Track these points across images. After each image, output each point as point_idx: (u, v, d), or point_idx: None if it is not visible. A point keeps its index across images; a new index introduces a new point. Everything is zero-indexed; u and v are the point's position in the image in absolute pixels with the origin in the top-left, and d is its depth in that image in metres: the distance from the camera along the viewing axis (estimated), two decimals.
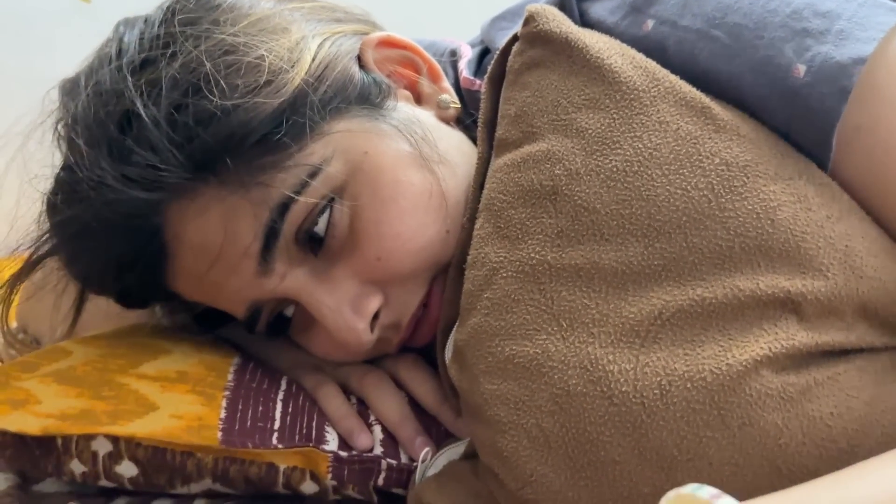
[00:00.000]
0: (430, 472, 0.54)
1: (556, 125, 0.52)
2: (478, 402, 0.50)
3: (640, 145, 0.49)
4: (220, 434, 0.55)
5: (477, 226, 0.53)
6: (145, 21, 0.56)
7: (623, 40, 0.54)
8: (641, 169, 0.49)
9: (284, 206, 0.53)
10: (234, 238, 0.53)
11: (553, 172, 0.50)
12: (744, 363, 0.45)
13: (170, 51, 0.54)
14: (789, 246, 0.46)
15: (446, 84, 0.62)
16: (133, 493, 0.58)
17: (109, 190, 0.51)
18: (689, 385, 0.45)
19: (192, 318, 0.63)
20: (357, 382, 0.59)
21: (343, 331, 0.55)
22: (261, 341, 0.62)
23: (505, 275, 0.50)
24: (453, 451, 0.55)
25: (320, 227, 0.54)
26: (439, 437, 0.57)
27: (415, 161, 0.56)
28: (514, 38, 0.57)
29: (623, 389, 0.45)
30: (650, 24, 0.53)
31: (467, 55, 0.64)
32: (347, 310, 0.55)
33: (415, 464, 0.55)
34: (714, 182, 0.48)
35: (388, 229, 0.54)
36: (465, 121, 0.62)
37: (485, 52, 0.65)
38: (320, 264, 0.56)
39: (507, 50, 0.57)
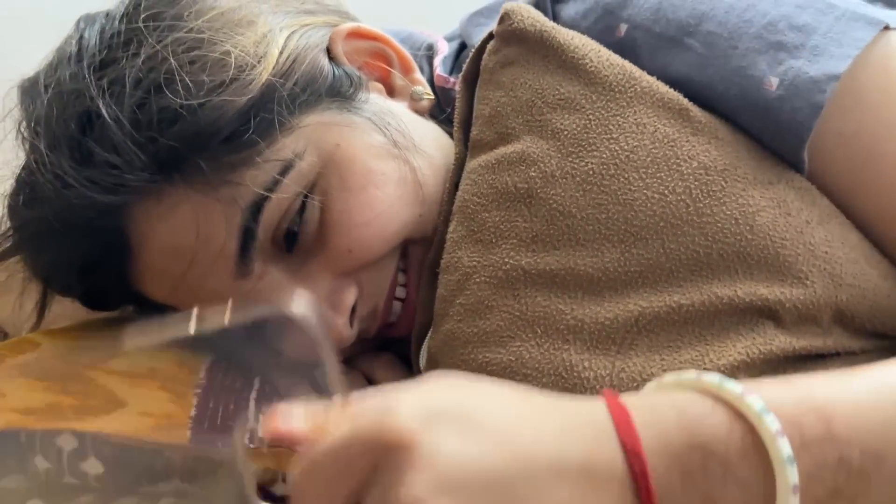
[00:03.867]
0: None
1: (532, 126, 0.47)
2: None
3: (617, 147, 0.45)
4: (189, 433, 0.50)
5: (450, 229, 0.49)
6: (107, 16, 0.51)
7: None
8: (618, 172, 0.44)
9: (257, 206, 0.48)
10: (207, 240, 0.48)
11: (528, 175, 0.46)
12: (721, 368, 0.41)
13: (132, 47, 0.48)
14: (768, 253, 0.42)
15: (419, 76, 0.57)
16: (97, 491, 0.53)
17: (71, 192, 0.46)
18: None
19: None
20: None
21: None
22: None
23: (478, 280, 0.45)
24: None
25: (295, 224, 0.49)
26: None
27: (388, 152, 0.52)
28: (490, 37, 0.52)
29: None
30: (623, 28, 0.49)
31: (443, 51, 0.59)
32: (324, 307, 0.50)
33: None
34: (692, 186, 0.43)
35: (357, 218, 0.50)
36: (438, 116, 0.57)
37: (462, 48, 0.59)
38: (295, 260, 0.51)
39: (482, 48, 0.52)
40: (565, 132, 0.46)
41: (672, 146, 0.44)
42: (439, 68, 0.58)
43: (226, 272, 0.49)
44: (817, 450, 0.33)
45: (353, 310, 0.51)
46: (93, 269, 0.51)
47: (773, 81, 0.44)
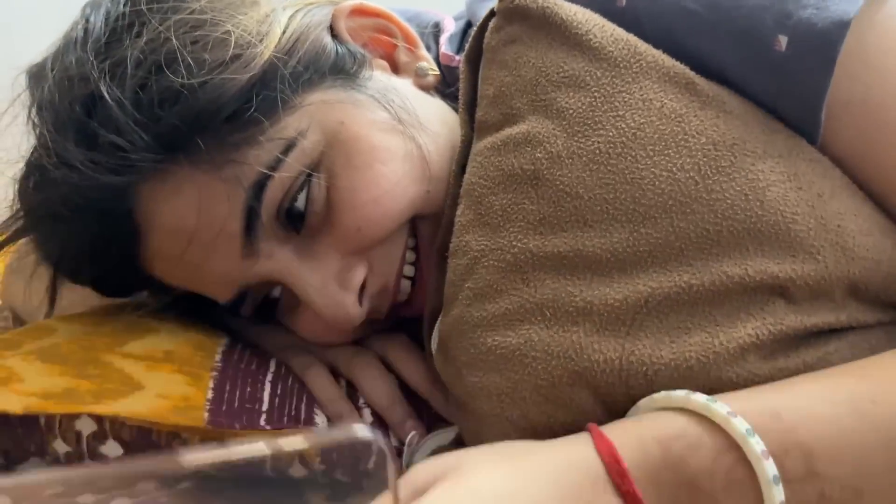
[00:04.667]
0: (418, 457, 0.50)
1: (536, 105, 0.46)
2: (462, 394, 0.45)
3: (624, 125, 0.43)
4: (206, 415, 0.51)
5: (458, 212, 0.48)
6: (112, 1, 0.50)
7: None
8: (625, 150, 0.43)
9: (260, 185, 0.48)
10: (209, 219, 0.48)
11: (534, 156, 0.45)
12: (731, 350, 0.40)
13: (135, 29, 0.48)
14: (779, 228, 0.41)
15: (423, 52, 0.56)
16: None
17: (77, 174, 0.46)
18: (675, 374, 0.40)
19: (175, 302, 0.57)
20: (345, 365, 0.54)
21: (331, 308, 0.50)
22: (249, 323, 0.57)
23: (486, 264, 0.45)
24: (442, 437, 0.50)
25: (300, 203, 0.49)
26: (430, 420, 0.53)
27: (393, 128, 0.51)
28: (492, 14, 0.51)
29: (608, 381, 0.40)
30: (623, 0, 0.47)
31: (449, 29, 0.58)
32: (333, 286, 0.50)
33: (404, 446, 0.50)
34: (701, 163, 0.42)
35: (364, 195, 0.49)
36: (444, 91, 0.56)
37: (469, 26, 0.58)
38: (303, 241, 0.50)
39: (484, 26, 0.51)
40: (570, 111, 0.45)
41: (679, 122, 0.43)
42: (445, 46, 0.57)
43: (233, 253, 0.49)
44: (799, 488, 0.35)
45: (364, 287, 0.51)
46: (102, 252, 0.51)
47: (783, 40, 0.42)
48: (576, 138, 0.44)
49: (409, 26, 0.55)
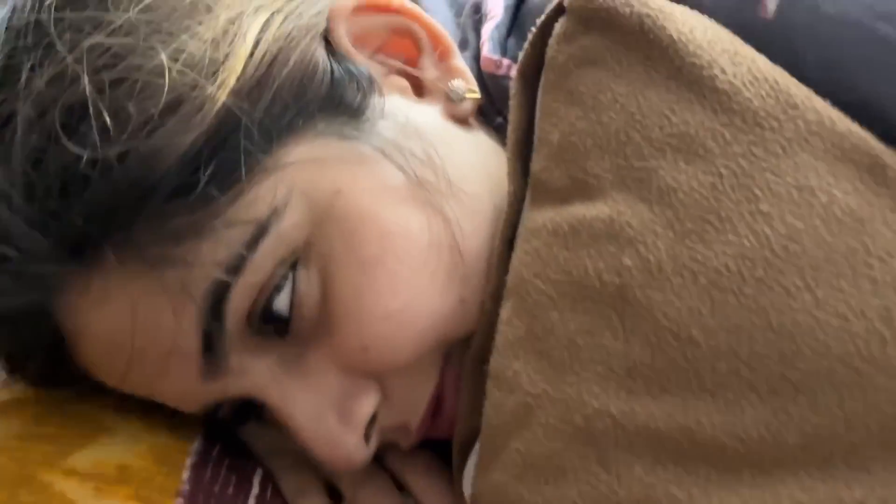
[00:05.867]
0: None
1: (626, 176, 0.30)
2: None
3: (769, 230, 0.27)
4: None
5: (504, 316, 0.33)
6: (13, 7, 0.34)
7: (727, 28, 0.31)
8: (770, 274, 0.27)
9: (218, 295, 0.33)
10: (151, 338, 0.34)
11: (620, 263, 0.29)
12: None
13: (36, 56, 0.32)
14: None
15: (459, 62, 0.39)
16: None
17: None
18: None
19: None
20: (351, 489, 0.41)
21: (327, 448, 0.36)
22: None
23: (544, 420, 0.30)
24: None
25: (282, 304, 0.34)
26: None
27: (413, 198, 0.35)
28: (559, 9, 0.33)
29: None
30: (772, 5, 0.30)
31: (496, 15, 0.40)
32: (330, 417, 0.36)
33: None
34: (892, 305, 0.26)
35: (374, 307, 0.34)
36: (491, 117, 0.40)
37: (519, 9, 0.41)
38: (289, 350, 0.36)
39: (547, 27, 0.34)
40: (680, 194, 0.29)
41: (859, 232, 0.27)
42: (487, 46, 0.39)
43: (190, 373, 0.35)
44: None
45: (374, 419, 0.37)
46: (32, 358, 0.37)
47: None
48: (688, 242, 0.28)
49: (437, 24, 0.38)
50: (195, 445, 0.43)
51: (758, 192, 0.28)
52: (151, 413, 0.45)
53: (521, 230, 0.34)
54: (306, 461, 0.42)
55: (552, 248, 0.31)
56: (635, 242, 0.29)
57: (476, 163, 0.37)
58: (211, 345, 0.34)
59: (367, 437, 0.36)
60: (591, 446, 0.29)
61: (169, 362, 0.34)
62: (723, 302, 0.27)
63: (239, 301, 0.33)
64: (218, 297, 0.33)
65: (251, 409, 0.40)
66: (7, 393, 0.45)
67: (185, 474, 0.41)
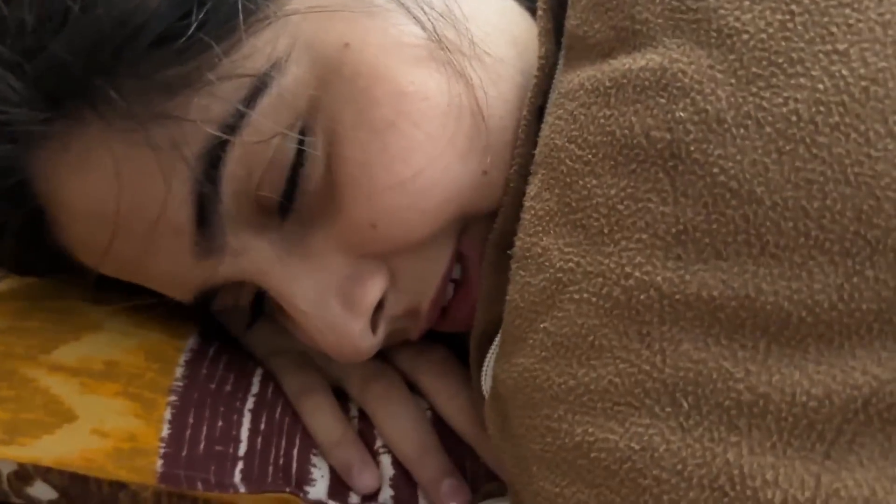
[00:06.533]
0: None
1: (680, 19, 0.26)
2: (529, 501, 0.28)
3: (846, 71, 0.24)
4: (159, 464, 0.35)
5: (532, 191, 0.29)
6: None
7: None
8: (848, 120, 0.23)
9: (213, 156, 0.29)
10: (137, 205, 0.30)
11: (672, 116, 0.26)
12: None
13: None
14: None
15: None
16: None
17: None
18: None
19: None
20: (359, 389, 0.37)
21: (330, 336, 0.33)
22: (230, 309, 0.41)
23: (578, 296, 0.27)
24: None
25: (284, 174, 0.31)
26: (476, 475, 0.36)
27: (431, 57, 0.31)
28: None
29: None
30: None
31: None
32: (335, 304, 0.32)
33: None
34: None
35: (384, 175, 0.31)
36: None
37: None
38: (291, 231, 0.32)
39: None
40: (745, 36, 0.25)
41: None
42: None
43: (181, 251, 0.32)
44: None
45: (381, 306, 0.33)
46: (6, 234, 0.34)
47: None
48: (753, 88, 0.25)
49: None
50: (190, 342, 0.40)
51: (834, 29, 0.24)
52: (142, 311, 0.42)
53: (553, 96, 0.30)
54: (311, 361, 0.39)
55: (591, 109, 0.28)
56: (691, 92, 0.25)
57: (502, 25, 0.33)
58: (205, 216, 0.30)
59: (374, 326, 0.33)
60: (632, 321, 0.26)
61: (157, 236, 0.31)
62: (791, 153, 0.24)
63: (236, 165, 0.30)
64: (213, 159, 0.29)
65: (245, 310, 0.37)
66: None
67: (179, 371, 0.38)
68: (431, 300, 0.34)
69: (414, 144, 0.30)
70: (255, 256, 0.32)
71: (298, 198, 0.31)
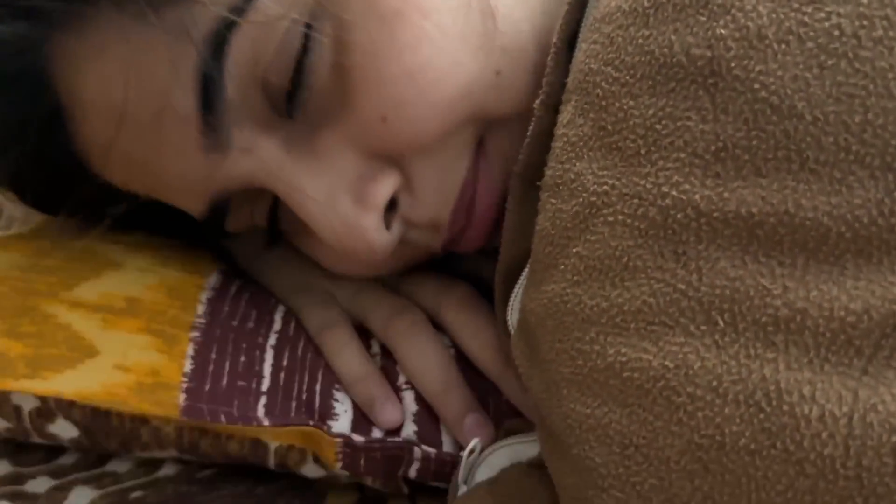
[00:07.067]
0: (482, 473, 0.34)
1: None
2: (558, 424, 0.28)
3: None
4: (182, 398, 0.35)
5: (564, 118, 0.29)
6: None
7: None
8: (892, 33, 0.23)
9: (219, 37, 0.30)
10: (143, 89, 0.31)
11: (713, 34, 0.25)
12: None
13: None
14: None
15: None
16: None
17: None
18: None
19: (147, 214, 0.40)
20: (382, 324, 0.37)
21: (341, 231, 0.33)
22: (249, 246, 0.40)
23: (612, 219, 0.26)
24: (518, 449, 0.34)
25: (290, 65, 0.31)
26: (499, 411, 0.36)
27: None
28: None
29: (825, 452, 0.23)
30: None
31: None
32: (346, 200, 0.32)
33: (461, 453, 0.34)
34: None
35: (393, 64, 0.31)
36: None
37: None
38: (299, 130, 0.32)
39: None
40: None
41: None
42: None
43: (189, 142, 0.32)
44: None
45: (395, 205, 0.33)
46: (20, 140, 0.34)
47: None
48: (795, 3, 0.24)
49: None
50: (211, 280, 0.40)
51: None
52: (163, 250, 0.42)
53: (588, 22, 0.30)
54: (332, 298, 0.39)
55: (629, 30, 0.27)
56: (731, 9, 0.25)
57: None
58: (209, 101, 0.30)
59: (388, 225, 0.33)
60: (667, 241, 0.25)
61: (163, 126, 0.31)
62: (834, 67, 0.24)
63: (242, 49, 0.30)
64: (219, 40, 0.30)
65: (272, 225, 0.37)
66: (7, 231, 0.42)
67: (201, 308, 0.38)
68: (451, 213, 0.34)
69: (422, 35, 0.30)
70: (264, 155, 0.32)
71: (306, 93, 0.31)
